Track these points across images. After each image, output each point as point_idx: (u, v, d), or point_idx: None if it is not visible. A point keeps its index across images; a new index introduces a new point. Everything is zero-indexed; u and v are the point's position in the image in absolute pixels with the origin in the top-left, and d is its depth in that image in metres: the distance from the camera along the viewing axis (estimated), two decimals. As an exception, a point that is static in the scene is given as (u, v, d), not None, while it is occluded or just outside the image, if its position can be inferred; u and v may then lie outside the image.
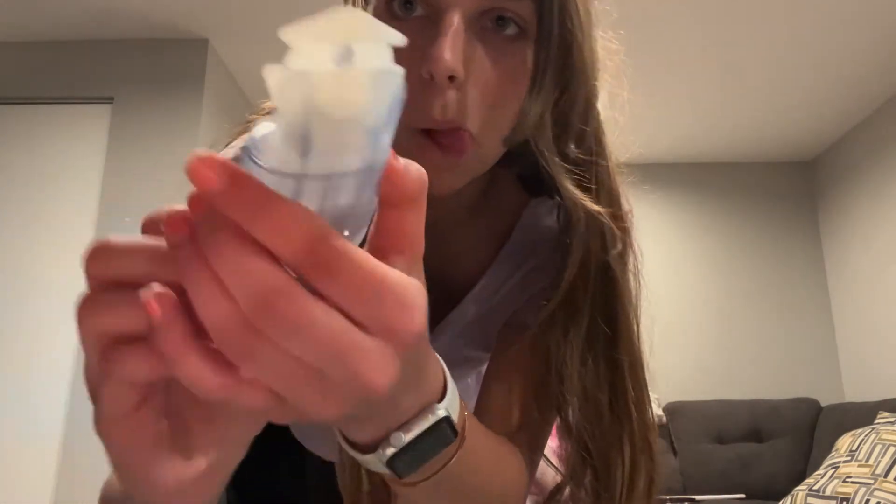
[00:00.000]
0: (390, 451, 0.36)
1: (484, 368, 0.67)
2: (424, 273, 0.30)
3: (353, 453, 0.38)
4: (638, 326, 0.60)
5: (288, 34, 0.24)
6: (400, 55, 0.54)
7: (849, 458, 2.51)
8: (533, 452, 0.60)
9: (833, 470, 2.52)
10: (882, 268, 3.51)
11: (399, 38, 0.25)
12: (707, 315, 3.97)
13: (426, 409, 0.37)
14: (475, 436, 0.44)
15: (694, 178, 4.17)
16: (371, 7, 0.54)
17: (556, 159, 0.55)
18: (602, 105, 0.60)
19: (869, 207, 3.65)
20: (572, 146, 0.57)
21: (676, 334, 3.86)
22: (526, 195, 0.68)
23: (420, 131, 0.50)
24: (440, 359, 0.38)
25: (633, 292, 0.60)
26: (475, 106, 0.50)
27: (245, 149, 0.25)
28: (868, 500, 2.25)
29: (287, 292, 0.24)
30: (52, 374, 2.71)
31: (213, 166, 0.23)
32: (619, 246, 0.57)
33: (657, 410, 3.42)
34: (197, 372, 0.25)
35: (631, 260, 0.60)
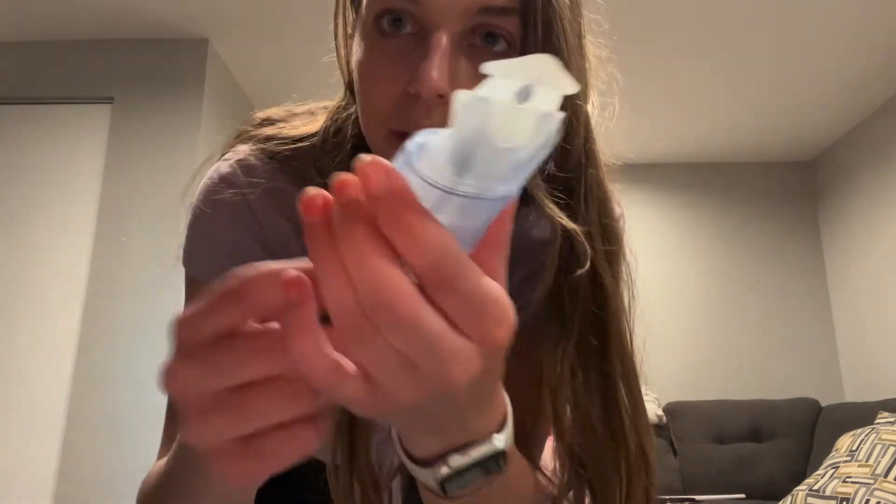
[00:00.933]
0: (445, 470, 0.38)
1: None
2: None
3: (409, 464, 0.40)
4: (630, 335, 0.60)
5: (487, 67, 0.27)
6: (388, 70, 0.54)
7: (849, 458, 2.51)
8: (530, 461, 0.59)
9: (833, 470, 2.52)
10: (882, 268, 3.51)
11: (573, 88, 0.28)
12: (707, 315, 3.97)
13: (487, 437, 0.38)
14: (514, 459, 0.45)
15: (694, 178, 4.17)
16: (359, 22, 0.53)
17: (536, 178, 0.55)
18: (593, 110, 0.60)
19: (869, 208, 3.65)
20: (558, 162, 0.56)
21: (676, 334, 3.87)
22: (518, 203, 0.68)
23: (401, 134, 0.50)
24: (505, 392, 0.40)
25: (626, 302, 0.60)
26: None
27: (405, 149, 0.27)
28: (868, 500, 2.25)
29: (403, 294, 0.27)
30: (52, 373, 2.71)
31: (381, 170, 0.26)
32: (588, 262, 0.57)
33: (657, 410, 3.41)
34: (311, 350, 0.27)
35: (622, 268, 0.60)
